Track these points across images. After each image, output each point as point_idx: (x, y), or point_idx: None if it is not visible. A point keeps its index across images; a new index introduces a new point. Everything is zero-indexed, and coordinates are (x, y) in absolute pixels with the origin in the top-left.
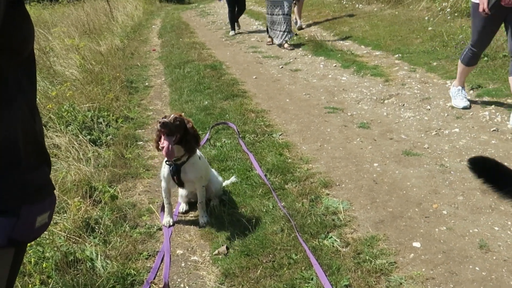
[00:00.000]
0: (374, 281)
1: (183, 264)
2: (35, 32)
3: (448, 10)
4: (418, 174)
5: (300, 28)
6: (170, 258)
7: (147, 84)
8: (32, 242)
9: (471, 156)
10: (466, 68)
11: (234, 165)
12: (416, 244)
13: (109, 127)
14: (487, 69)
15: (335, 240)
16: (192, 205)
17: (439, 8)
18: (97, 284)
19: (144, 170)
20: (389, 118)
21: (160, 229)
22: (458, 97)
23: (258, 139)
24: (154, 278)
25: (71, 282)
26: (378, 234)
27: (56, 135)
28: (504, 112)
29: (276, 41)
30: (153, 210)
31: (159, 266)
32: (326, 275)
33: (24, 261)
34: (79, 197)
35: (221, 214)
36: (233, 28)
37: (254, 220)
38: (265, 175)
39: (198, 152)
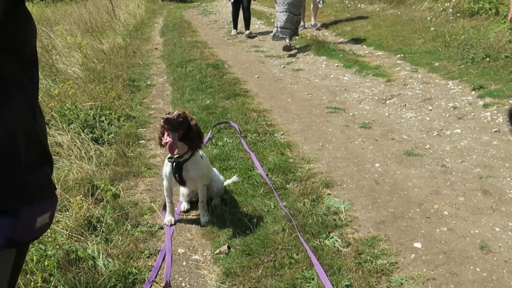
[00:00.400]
0: (375, 281)
1: (184, 263)
2: (37, 31)
3: (450, 10)
4: (419, 175)
5: (318, 29)
6: (171, 257)
7: (149, 82)
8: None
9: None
10: None
11: (236, 164)
12: (417, 245)
13: (111, 125)
14: (489, 70)
15: (336, 240)
16: (193, 204)
17: (441, 9)
18: (98, 282)
19: (146, 168)
20: (391, 118)
21: (162, 228)
22: None
23: (260, 139)
24: (155, 277)
25: (72, 280)
26: (379, 234)
27: (58, 133)
28: (506, 113)
29: (284, 37)
30: (155, 209)
31: (161, 265)
32: (327, 275)
33: (26, 259)
34: (81, 196)
35: (223, 213)
36: (235, 27)
37: (255, 220)
38: (267, 175)
39: (200, 151)
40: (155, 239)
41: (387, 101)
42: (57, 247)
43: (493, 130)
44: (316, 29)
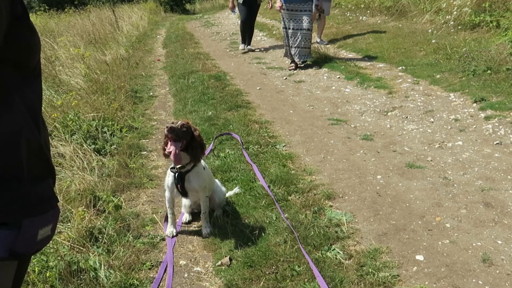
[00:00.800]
0: None
1: (186, 275)
2: (41, 44)
3: (452, 23)
4: (421, 187)
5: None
6: (173, 269)
7: (151, 94)
8: None
9: None
10: None
11: (238, 176)
12: (419, 257)
13: (113, 136)
14: (491, 82)
15: (338, 252)
16: (195, 215)
17: (442, 21)
18: None
19: (148, 180)
20: (393, 130)
21: (163, 239)
22: None
23: (262, 150)
24: None
25: None
26: (381, 246)
27: (61, 144)
28: (507, 125)
29: (296, 59)
30: (157, 220)
31: (162, 276)
32: None
33: (28, 270)
34: (83, 207)
35: (225, 224)
36: (244, 42)
37: (257, 231)
38: (269, 186)
39: (202, 162)
40: (156, 251)
41: (389, 113)
42: (59, 258)
43: (495, 143)
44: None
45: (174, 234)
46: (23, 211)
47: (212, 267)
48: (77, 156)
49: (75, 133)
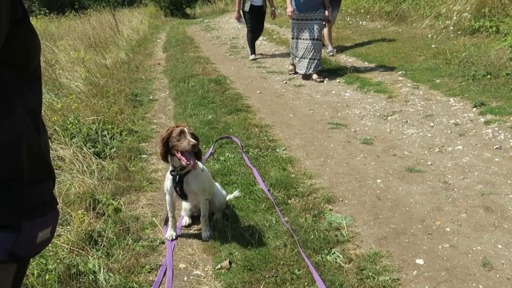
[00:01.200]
0: None
1: (185, 278)
2: (41, 46)
3: (451, 28)
4: (421, 191)
5: (332, 55)
6: (172, 272)
7: (151, 97)
8: None
9: None
10: None
11: (238, 179)
12: (419, 261)
13: (113, 140)
14: (490, 87)
15: (338, 256)
16: (195, 218)
17: (442, 26)
18: None
19: (148, 183)
20: (393, 134)
21: (163, 242)
22: None
23: (262, 154)
24: None
25: None
26: (381, 250)
27: (61, 147)
28: (507, 130)
29: (301, 71)
30: (156, 223)
31: (162, 280)
32: None
33: (27, 273)
34: (83, 210)
35: (224, 228)
36: (253, 52)
37: (257, 235)
38: (269, 190)
39: (200, 164)
40: (156, 254)
41: (389, 117)
42: (58, 261)
43: (495, 147)
44: (330, 56)
45: (174, 237)
46: (22, 213)
47: (212, 271)
48: (77, 159)
49: (75, 136)
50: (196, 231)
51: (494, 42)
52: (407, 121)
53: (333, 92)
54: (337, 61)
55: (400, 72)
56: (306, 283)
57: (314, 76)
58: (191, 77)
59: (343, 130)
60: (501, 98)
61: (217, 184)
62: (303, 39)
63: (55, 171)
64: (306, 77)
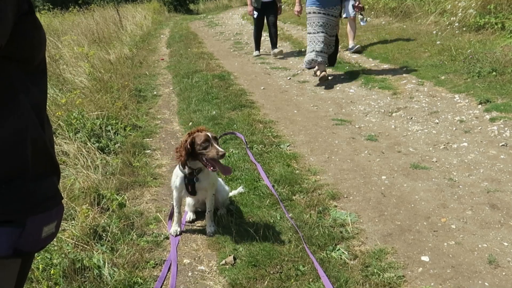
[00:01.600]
0: None
1: (190, 274)
2: (46, 40)
3: (456, 24)
4: (426, 188)
5: (358, 52)
6: (177, 267)
7: (155, 93)
8: None
9: None
10: None
11: (242, 175)
12: (425, 258)
13: (117, 135)
14: (496, 84)
15: (343, 252)
16: (199, 214)
17: (447, 23)
18: None
19: (152, 178)
20: (397, 131)
21: (167, 237)
22: None
23: (266, 150)
24: (160, 287)
25: None
26: (386, 247)
27: (65, 142)
28: None
29: (306, 59)
30: (160, 218)
31: (166, 275)
32: None
33: (32, 267)
34: (87, 205)
35: (229, 224)
36: (257, 48)
37: (261, 231)
38: (273, 186)
39: None
40: (160, 249)
41: (393, 114)
42: (63, 256)
43: (500, 144)
44: (352, 52)
45: (178, 232)
46: (28, 209)
47: (216, 266)
48: (81, 154)
49: (79, 132)
50: (200, 227)
51: (499, 38)
52: (412, 118)
53: (338, 88)
54: (341, 57)
55: (405, 68)
56: (310, 279)
57: (318, 72)
58: (195, 72)
59: (348, 127)
60: (506, 95)
61: (220, 179)
62: (318, 33)
63: (60, 166)
64: (324, 79)
